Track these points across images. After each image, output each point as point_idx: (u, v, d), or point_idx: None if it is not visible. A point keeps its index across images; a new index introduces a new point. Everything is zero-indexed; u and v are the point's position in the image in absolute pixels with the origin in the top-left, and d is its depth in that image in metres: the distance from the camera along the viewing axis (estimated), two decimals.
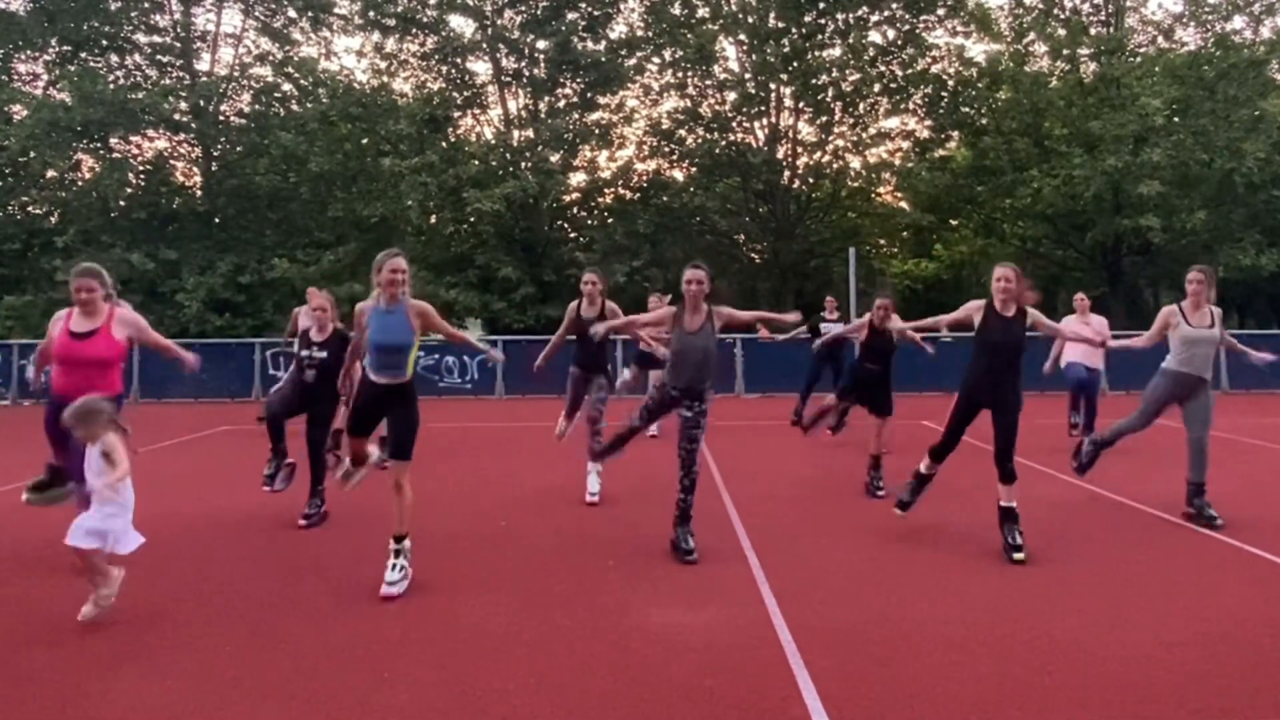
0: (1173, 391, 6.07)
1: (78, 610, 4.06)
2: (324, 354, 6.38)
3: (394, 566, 4.62)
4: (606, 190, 23.95)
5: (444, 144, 22.15)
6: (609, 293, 6.97)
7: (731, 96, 23.53)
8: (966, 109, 23.38)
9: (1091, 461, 6.56)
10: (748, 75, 23.43)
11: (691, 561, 5.11)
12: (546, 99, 23.15)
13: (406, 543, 4.71)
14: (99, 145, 22.00)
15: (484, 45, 22.65)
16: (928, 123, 23.74)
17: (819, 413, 8.55)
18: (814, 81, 22.67)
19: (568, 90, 23.29)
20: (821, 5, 22.43)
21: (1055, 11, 22.45)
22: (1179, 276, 6.34)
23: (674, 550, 5.29)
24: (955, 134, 23.90)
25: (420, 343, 5.02)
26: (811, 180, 24.00)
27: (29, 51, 22.81)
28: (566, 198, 23.37)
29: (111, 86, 21.13)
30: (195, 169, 23.46)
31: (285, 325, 11.08)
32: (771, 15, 22.92)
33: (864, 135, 23.71)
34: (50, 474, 5.24)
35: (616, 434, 5.87)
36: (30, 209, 22.92)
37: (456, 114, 23.01)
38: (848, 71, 22.83)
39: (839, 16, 22.69)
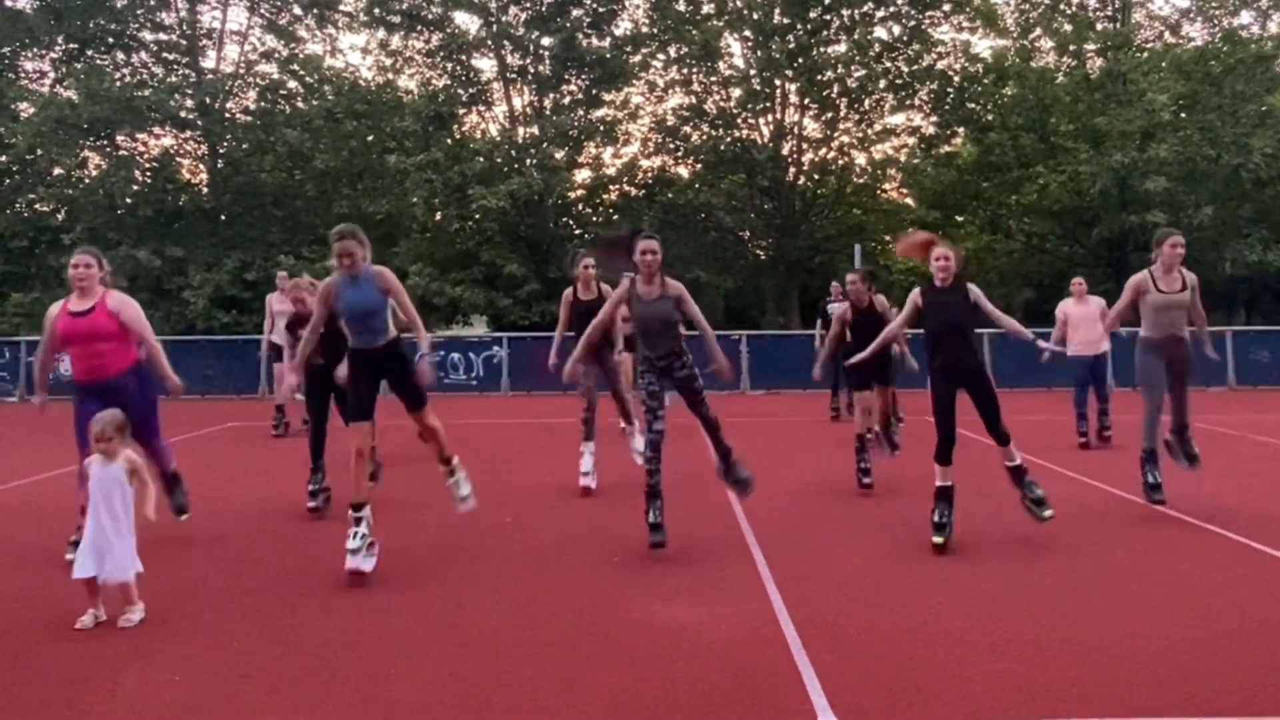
0: (1159, 356, 5.97)
1: (85, 607, 4.06)
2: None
3: (458, 483, 5.27)
4: (611, 187, 23.94)
5: (449, 141, 22.13)
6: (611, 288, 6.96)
7: (736, 93, 23.46)
8: (972, 105, 23.28)
9: (1181, 456, 6.17)
10: (753, 71, 23.36)
11: (746, 482, 5.53)
12: (551, 96, 23.12)
13: (456, 461, 5.29)
14: (105, 142, 22.08)
15: (489, 42, 22.63)
16: (933, 119, 23.63)
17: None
18: (819, 78, 22.59)
19: (572, 87, 23.25)
20: (826, 1, 22.37)
21: (1061, 7, 22.34)
22: None
23: (731, 478, 5.55)
24: (961, 130, 23.79)
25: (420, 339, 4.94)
26: (817, 177, 23.94)
27: (36, 49, 22.93)
28: (571, 194, 23.33)
29: (118, 84, 21.21)
30: (201, 166, 23.53)
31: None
32: (776, 11, 22.82)
33: (869, 131, 23.63)
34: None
35: (650, 447, 5.18)
36: (37, 206, 23.01)
37: (461, 111, 22.99)
38: (853, 68, 22.73)
39: (844, 13, 22.57)
